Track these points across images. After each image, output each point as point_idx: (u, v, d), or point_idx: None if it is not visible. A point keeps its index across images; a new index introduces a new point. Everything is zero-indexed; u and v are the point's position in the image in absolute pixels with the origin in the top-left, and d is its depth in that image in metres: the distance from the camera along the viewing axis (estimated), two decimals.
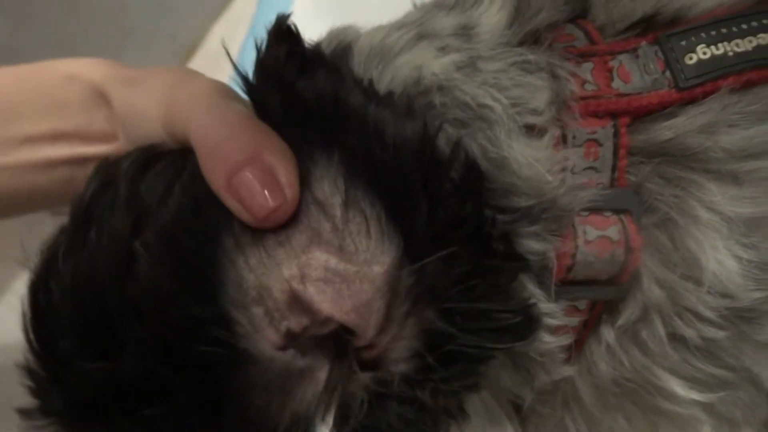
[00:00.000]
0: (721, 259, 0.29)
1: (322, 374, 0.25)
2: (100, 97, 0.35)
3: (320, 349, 0.25)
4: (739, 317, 0.29)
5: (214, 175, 0.25)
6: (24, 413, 0.26)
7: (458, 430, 0.32)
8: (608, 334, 0.31)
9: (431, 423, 0.27)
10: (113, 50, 0.69)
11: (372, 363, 0.26)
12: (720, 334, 0.29)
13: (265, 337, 0.24)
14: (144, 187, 0.25)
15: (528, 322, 0.27)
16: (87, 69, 0.36)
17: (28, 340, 0.25)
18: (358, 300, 0.24)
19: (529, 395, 0.31)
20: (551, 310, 0.29)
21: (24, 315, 0.25)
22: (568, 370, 0.31)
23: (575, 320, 0.31)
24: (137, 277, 0.23)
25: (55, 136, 0.36)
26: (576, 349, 0.32)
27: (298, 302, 0.24)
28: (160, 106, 0.30)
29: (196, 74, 0.32)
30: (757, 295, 0.29)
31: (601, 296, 0.30)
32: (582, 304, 0.31)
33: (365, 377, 0.26)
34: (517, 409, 0.33)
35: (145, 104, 0.31)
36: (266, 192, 0.24)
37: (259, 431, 0.25)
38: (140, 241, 0.24)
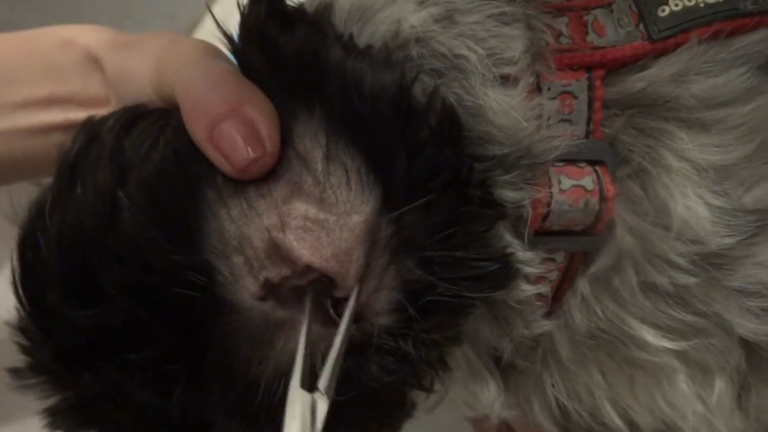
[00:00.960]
0: (690, 205, 0.29)
1: (303, 326, 0.26)
2: (94, 62, 0.36)
3: (300, 301, 0.26)
4: (710, 263, 0.30)
5: (197, 127, 0.25)
6: (14, 372, 0.27)
7: (441, 384, 0.32)
8: (583, 285, 0.32)
9: (413, 374, 0.28)
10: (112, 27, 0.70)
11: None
12: (691, 281, 0.30)
13: (244, 287, 0.25)
14: (128, 142, 0.26)
15: (505, 271, 0.27)
16: (82, 34, 0.37)
17: (17, 294, 0.26)
18: (338, 248, 0.25)
19: (508, 346, 0.32)
20: (528, 258, 0.29)
21: (13, 270, 0.26)
22: (547, 325, 0.32)
23: (553, 273, 0.31)
24: (120, 226, 0.24)
25: (50, 102, 0.36)
26: (554, 304, 0.32)
27: (277, 251, 0.25)
28: (150, 68, 0.30)
29: (186, 38, 0.33)
30: (728, 241, 0.30)
31: (577, 247, 0.31)
32: (559, 257, 0.31)
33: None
34: (498, 364, 0.34)
35: (136, 67, 0.32)
36: (246, 144, 0.25)
37: (242, 382, 0.25)
38: (124, 192, 0.24)
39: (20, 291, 0.26)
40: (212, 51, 0.30)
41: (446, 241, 0.25)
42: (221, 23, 0.29)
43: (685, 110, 0.30)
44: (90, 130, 0.27)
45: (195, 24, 0.80)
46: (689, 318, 0.30)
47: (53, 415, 0.27)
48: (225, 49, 0.29)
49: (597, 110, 0.30)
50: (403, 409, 0.31)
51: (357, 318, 0.26)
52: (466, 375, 0.33)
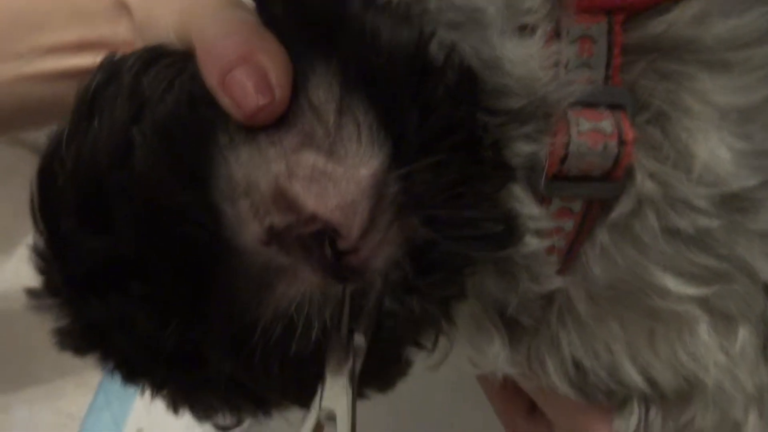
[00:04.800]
0: (712, 147, 0.29)
1: (305, 275, 0.26)
2: (123, 8, 0.36)
3: (304, 251, 0.26)
4: (732, 206, 0.30)
5: (209, 73, 0.26)
6: (31, 293, 0.29)
7: (447, 339, 0.32)
8: (602, 235, 0.31)
9: (412, 331, 0.28)
10: None
11: (355, 272, 0.27)
12: (714, 223, 0.30)
13: (249, 231, 0.25)
14: (146, 80, 0.26)
15: (511, 232, 0.28)
16: None
17: (34, 219, 0.27)
18: (343, 199, 0.25)
19: (514, 301, 0.32)
20: (537, 214, 0.29)
21: (32, 196, 0.27)
22: (559, 281, 0.32)
23: (569, 224, 0.31)
24: (133, 164, 0.25)
25: (80, 46, 0.37)
26: (569, 259, 0.32)
27: (283, 198, 0.25)
28: (174, 15, 0.31)
29: None
30: (751, 183, 0.29)
31: (595, 194, 0.31)
32: (576, 206, 0.31)
33: (349, 285, 0.27)
34: (506, 323, 0.34)
35: (161, 14, 0.32)
36: (256, 91, 0.25)
37: (240, 322, 0.26)
38: (138, 130, 0.25)
39: (37, 215, 0.27)
40: (235, 1, 0.30)
41: (453, 201, 0.26)
42: None
43: (707, 52, 0.29)
44: (110, 67, 0.28)
45: None
46: (711, 262, 0.30)
47: (62, 335, 0.29)
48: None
49: (616, 56, 0.30)
50: (397, 367, 0.31)
51: (358, 273, 0.27)
52: (471, 330, 0.33)
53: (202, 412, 0.33)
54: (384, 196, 0.25)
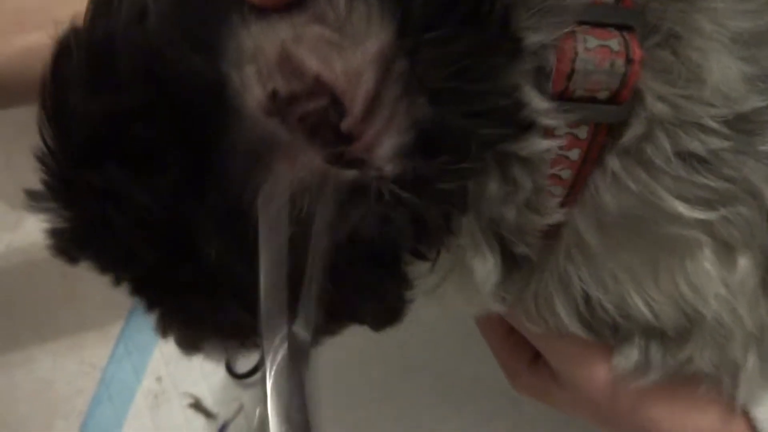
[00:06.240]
0: (724, 68, 0.29)
1: (305, 158, 0.26)
2: None
3: (306, 129, 0.26)
4: (742, 128, 0.30)
5: None
6: (30, 194, 0.29)
7: (447, 256, 0.32)
8: (612, 161, 0.31)
9: (416, 235, 0.28)
10: None
11: (357, 162, 0.26)
12: (725, 144, 0.29)
13: (252, 96, 0.25)
14: None
15: (517, 107, 0.27)
16: None
17: (43, 106, 0.28)
18: (349, 66, 0.25)
19: (512, 215, 0.31)
20: (546, 108, 0.28)
21: (44, 82, 0.27)
22: (562, 214, 0.31)
23: (575, 152, 0.31)
24: (146, 24, 0.25)
25: None
26: (577, 189, 0.32)
27: (288, 62, 0.25)
28: None
29: None
30: (759, 104, 0.29)
31: (602, 117, 0.30)
32: (582, 132, 0.30)
33: (350, 173, 0.26)
34: (502, 250, 0.33)
35: None
36: None
37: (236, 198, 0.26)
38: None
39: (47, 100, 0.27)
40: None
41: (460, 74, 0.25)
42: None
43: None
44: None
45: None
46: (719, 184, 0.30)
47: (55, 236, 0.29)
48: None
49: None
50: (397, 283, 0.31)
51: (359, 163, 0.26)
52: (466, 249, 0.32)
53: (189, 340, 0.34)
54: (390, 71, 0.25)
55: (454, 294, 0.34)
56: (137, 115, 0.25)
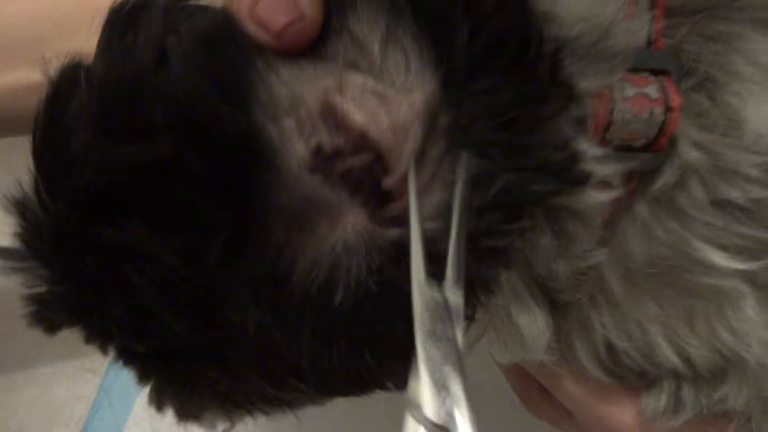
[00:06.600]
0: (764, 112, 0.28)
1: (349, 218, 0.24)
2: None
3: (349, 189, 0.24)
4: None
5: (238, 6, 0.24)
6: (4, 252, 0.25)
7: (484, 313, 0.30)
8: (642, 209, 0.30)
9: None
10: None
11: (398, 220, 0.24)
12: (766, 194, 0.28)
13: (294, 151, 0.23)
14: (181, 5, 0.24)
15: (572, 160, 0.25)
16: None
17: (36, 150, 0.24)
18: (396, 121, 0.23)
19: (563, 269, 0.29)
20: (600, 155, 0.27)
21: (37, 125, 0.24)
22: (601, 254, 0.30)
23: (608, 197, 0.29)
24: (168, 69, 0.22)
25: None
26: (606, 236, 0.30)
27: (332, 114, 0.23)
28: None
29: None
30: None
31: (637, 165, 0.29)
32: (615, 180, 0.29)
33: (392, 232, 0.24)
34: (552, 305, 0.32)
35: None
36: (282, 11, 0.23)
37: (276, 264, 0.23)
38: (174, 38, 0.23)
39: (42, 142, 0.24)
40: None
41: (509, 127, 0.23)
42: None
43: (759, 9, 0.28)
44: None
45: None
46: (761, 234, 0.28)
47: (40, 302, 0.25)
48: None
49: (658, 19, 0.28)
50: None
51: (399, 223, 0.24)
52: (508, 305, 0.31)
53: (192, 411, 0.30)
54: (436, 125, 0.23)
55: (497, 351, 0.33)
56: (164, 167, 0.22)
